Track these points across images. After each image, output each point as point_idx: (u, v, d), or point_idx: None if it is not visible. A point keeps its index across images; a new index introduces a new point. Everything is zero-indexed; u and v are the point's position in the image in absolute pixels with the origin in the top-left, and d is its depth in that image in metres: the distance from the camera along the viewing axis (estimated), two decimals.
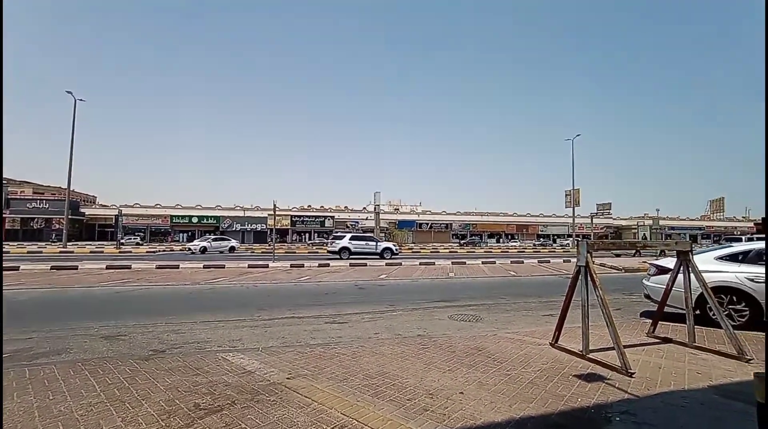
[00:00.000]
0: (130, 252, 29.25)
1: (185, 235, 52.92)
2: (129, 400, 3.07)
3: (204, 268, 16.25)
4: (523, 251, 39.38)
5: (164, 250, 32.81)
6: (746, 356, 4.18)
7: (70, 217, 34.43)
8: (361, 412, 2.86)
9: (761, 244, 6.19)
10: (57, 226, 45.11)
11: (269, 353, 4.42)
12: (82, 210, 51.41)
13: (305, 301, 8.45)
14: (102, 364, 3.98)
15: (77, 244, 37.06)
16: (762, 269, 5.59)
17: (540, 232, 62.56)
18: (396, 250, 25.26)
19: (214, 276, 13.47)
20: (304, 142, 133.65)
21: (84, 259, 21.28)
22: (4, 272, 14.13)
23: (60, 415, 2.84)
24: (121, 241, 36.41)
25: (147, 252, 30.08)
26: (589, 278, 4.24)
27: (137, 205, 52.99)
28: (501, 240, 60.43)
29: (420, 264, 19.49)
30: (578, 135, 45.17)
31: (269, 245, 34.34)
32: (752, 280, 5.56)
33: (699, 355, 4.44)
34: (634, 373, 3.66)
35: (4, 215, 46.26)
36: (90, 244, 37.98)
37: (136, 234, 48.37)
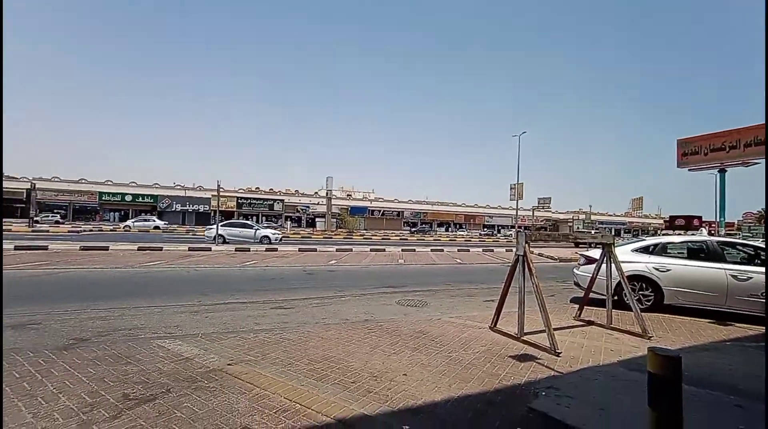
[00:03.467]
0: (47, 231, 26.07)
1: (117, 214, 48.30)
2: (42, 395, 2.77)
3: (139, 250, 15.01)
4: (470, 240, 41.29)
5: (91, 231, 29.70)
6: (648, 334, 4.85)
7: None
8: (305, 396, 2.86)
9: (666, 239, 7.13)
10: None
11: (210, 339, 4.22)
12: None
13: (251, 287, 8.16)
14: (9, 357, 3.54)
15: None
16: (664, 259, 6.43)
17: (486, 223, 65.90)
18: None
19: (150, 259, 12.50)
20: (253, 122, 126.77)
21: None
22: None
23: None
24: (35, 218, 32.31)
25: (69, 231, 27.00)
26: (526, 266, 4.56)
27: (56, 179, 47.10)
28: (450, 229, 62.76)
29: (371, 250, 19.67)
30: (524, 132, 47.58)
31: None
32: (657, 269, 6.36)
33: (614, 335, 5.00)
34: (560, 353, 4.03)
35: None
36: None
37: (55, 211, 43.08)
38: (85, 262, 11.28)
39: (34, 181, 36.40)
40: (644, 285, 6.49)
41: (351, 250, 19.32)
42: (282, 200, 54.92)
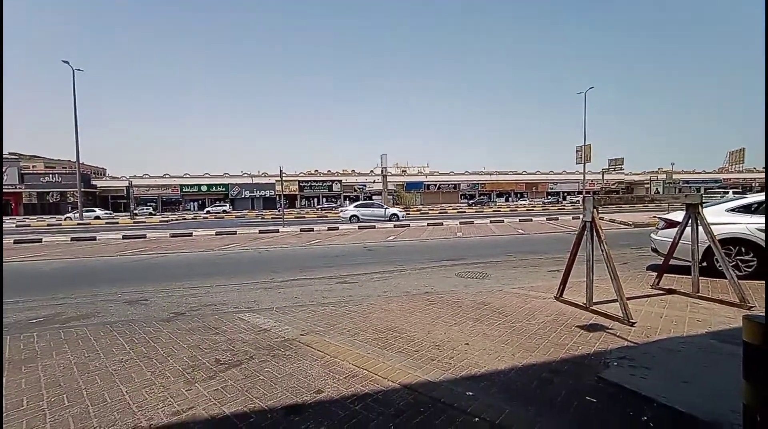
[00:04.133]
0: (144, 222, 29.98)
1: (195, 203, 53.71)
2: (156, 357, 3.31)
3: (216, 235, 16.66)
4: (532, 209, 39.20)
5: (176, 220, 33.51)
6: (748, 303, 4.27)
7: (83, 189, 34.97)
8: (371, 363, 3.05)
9: None
10: (72, 199, 46.03)
11: (283, 312, 4.64)
12: (93, 182, 52.15)
13: (316, 264, 8.70)
14: (128, 326, 4.24)
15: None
16: None
17: (549, 190, 61.81)
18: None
19: (227, 242, 13.83)
20: (308, 105, 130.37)
21: (101, 230, 21.93)
22: (29, 244, 14.72)
23: (96, 370, 3.09)
24: (135, 211, 37.21)
25: (160, 221, 30.80)
26: (594, 233, 4.26)
27: (147, 176, 53.53)
28: (510, 199, 60.04)
29: (428, 225, 19.64)
30: (591, 88, 43.06)
31: (279, 211, 34.76)
32: (762, 230, 5.52)
33: (701, 304, 4.52)
34: (635, 323, 3.76)
35: (19, 190, 47.24)
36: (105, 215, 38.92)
37: (148, 204, 49.20)
38: (175, 247, 12.83)
39: (131, 179, 41.70)
40: (743, 249, 5.70)
41: (408, 225, 19.46)
42: (339, 181, 56.64)
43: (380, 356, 3.19)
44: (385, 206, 25.71)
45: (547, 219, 21.89)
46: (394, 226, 19.00)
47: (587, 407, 2.34)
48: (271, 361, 3.16)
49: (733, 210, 6.00)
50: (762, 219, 5.62)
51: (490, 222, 20.78)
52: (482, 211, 36.49)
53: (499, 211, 37.50)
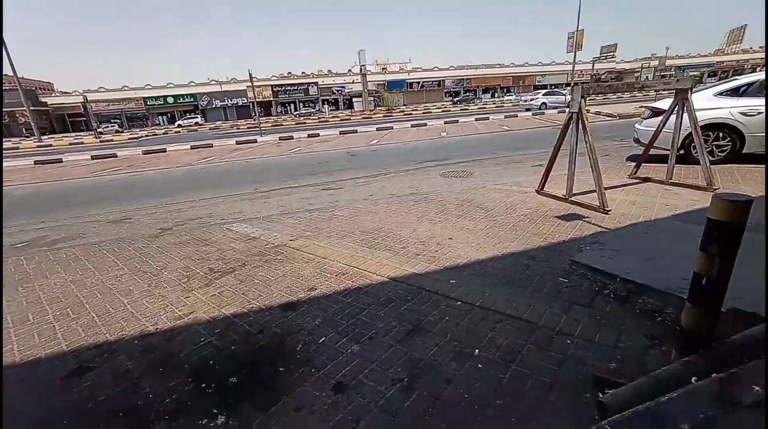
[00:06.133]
0: (112, 140, 28.18)
1: (164, 117, 50.16)
2: (149, 271, 3.39)
3: (192, 149, 15.95)
4: (518, 105, 38.06)
5: (146, 136, 31.58)
6: (713, 186, 4.49)
7: (32, 108, 31.77)
8: (360, 261, 3.20)
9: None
10: (22, 119, 42.14)
11: (270, 221, 4.69)
12: (43, 100, 47.20)
13: (299, 172, 8.57)
14: (117, 244, 4.26)
15: (53, 137, 35.42)
16: (755, 101, 5.48)
17: (537, 83, 59.10)
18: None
19: (204, 156, 13.32)
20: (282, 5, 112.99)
21: (65, 151, 20.65)
22: None
23: (93, 286, 3.18)
24: (99, 130, 34.69)
25: (129, 139, 28.97)
26: (580, 125, 4.16)
27: (103, 89, 48.45)
28: (496, 94, 57.70)
29: (412, 126, 19.08)
30: None
31: (254, 119, 32.92)
32: (744, 113, 5.50)
33: (672, 190, 4.73)
34: (610, 211, 3.95)
35: None
36: (67, 136, 36.31)
37: (112, 121, 45.69)
38: (150, 164, 12.33)
39: (85, 94, 37.85)
40: (721, 134, 5.75)
41: (392, 128, 18.88)
42: (316, 83, 52.69)
43: (369, 255, 3.34)
44: (565, 93, 27.64)
45: (533, 114, 21.44)
46: (377, 130, 18.41)
47: (559, 286, 2.57)
48: (263, 266, 3.28)
49: (721, 93, 5.87)
50: (748, 101, 5.55)
51: (476, 120, 20.26)
52: (467, 109, 35.30)
53: (485, 108, 36.32)
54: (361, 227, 4.13)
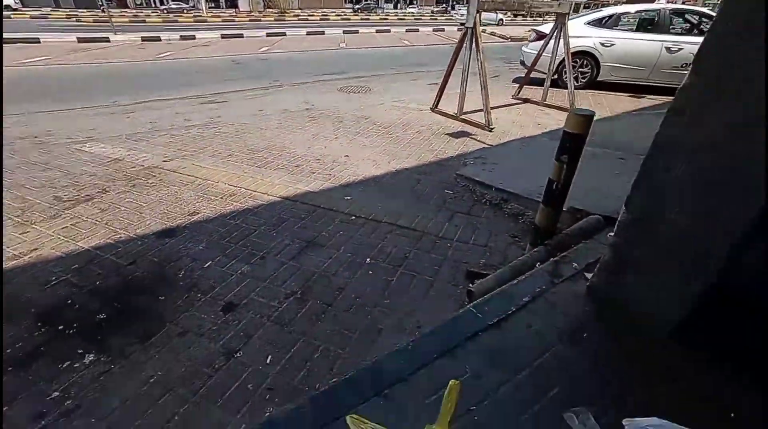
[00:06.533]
0: None
1: None
2: None
3: (12, 44, 11.85)
4: (420, 19, 36.80)
5: None
6: (575, 107, 5.19)
7: None
8: (249, 182, 2.96)
9: (622, 9, 6.63)
10: None
11: (136, 140, 3.94)
12: None
13: (173, 82, 7.16)
14: None
15: None
16: (612, 33, 6.22)
17: None
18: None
19: (30, 56, 10.08)
20: None
21: None
22: None
23: None
24: None
25: None
26: (474, 42, 4.20)
27: None
28: (399, 5, 54.50)
29: (307, 34, 17.16)
30: None
31: (103, 11, 25.64)
32: (603, 44, 6.22)
33: (545, 110, 5.32)
34: (493, 128, 4.30)
35: None
36: None
37: None
38: None
39: None
40: (585, 61, 6.48)
41: (284, 34, 16.69)
42: None
43: (258, 174, 3.10)
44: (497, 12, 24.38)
45: (433, 30, 21.04)
46: (267, 35, 16.10)
47: (445, 196, 2.79)
48: (131, 192, 2.81)
49: (589, 23, 6.47)
50: (607, 32, 6.24)
51: (377, 32, 19.09)
52: (368, 19, 32.86)
53: (387, 19, 34.28)
54: (249, 145, 3.75)
